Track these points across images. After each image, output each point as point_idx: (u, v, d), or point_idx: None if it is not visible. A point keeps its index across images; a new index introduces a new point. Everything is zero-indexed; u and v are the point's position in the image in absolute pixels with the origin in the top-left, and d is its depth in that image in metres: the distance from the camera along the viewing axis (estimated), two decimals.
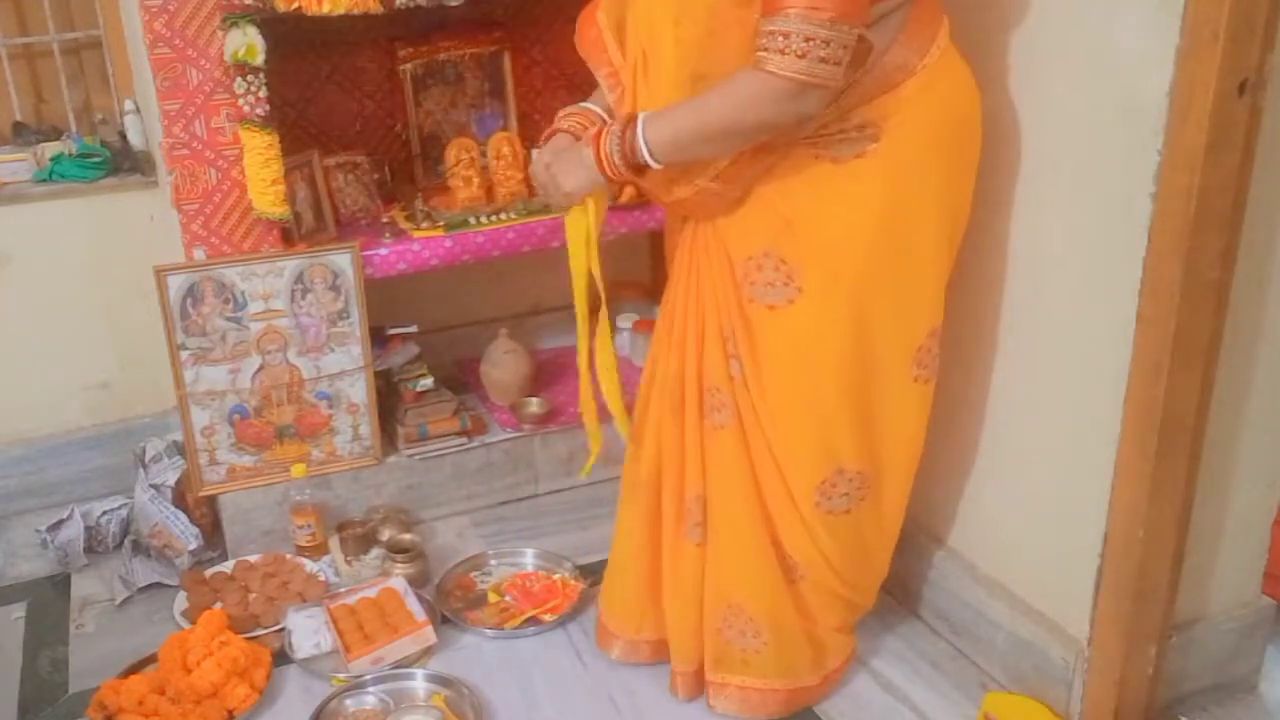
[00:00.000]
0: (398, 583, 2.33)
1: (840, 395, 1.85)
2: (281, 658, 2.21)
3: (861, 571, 2.04)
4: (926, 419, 1.97)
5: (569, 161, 1.82)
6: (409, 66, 2.82)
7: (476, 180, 2.70)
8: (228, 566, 2.49)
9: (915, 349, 1.87)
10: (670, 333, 1.96)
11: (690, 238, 1.92)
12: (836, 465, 1.90)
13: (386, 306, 2.64)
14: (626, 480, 2.11)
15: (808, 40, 1.54)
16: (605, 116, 1.88)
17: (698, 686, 2.07)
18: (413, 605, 2.26)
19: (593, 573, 2.44)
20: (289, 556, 2.51)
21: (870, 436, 1.91)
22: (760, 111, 1.62)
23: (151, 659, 2.17)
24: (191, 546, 2.49)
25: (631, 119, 1.72)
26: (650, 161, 1.71)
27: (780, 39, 1.55)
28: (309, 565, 2.47)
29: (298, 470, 2.55)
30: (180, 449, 2.63)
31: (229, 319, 2.43)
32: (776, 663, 2.00)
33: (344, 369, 2.55)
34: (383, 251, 2.52)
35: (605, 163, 1.75)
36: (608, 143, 1.74)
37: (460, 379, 2.96)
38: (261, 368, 2.49)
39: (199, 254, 2.40)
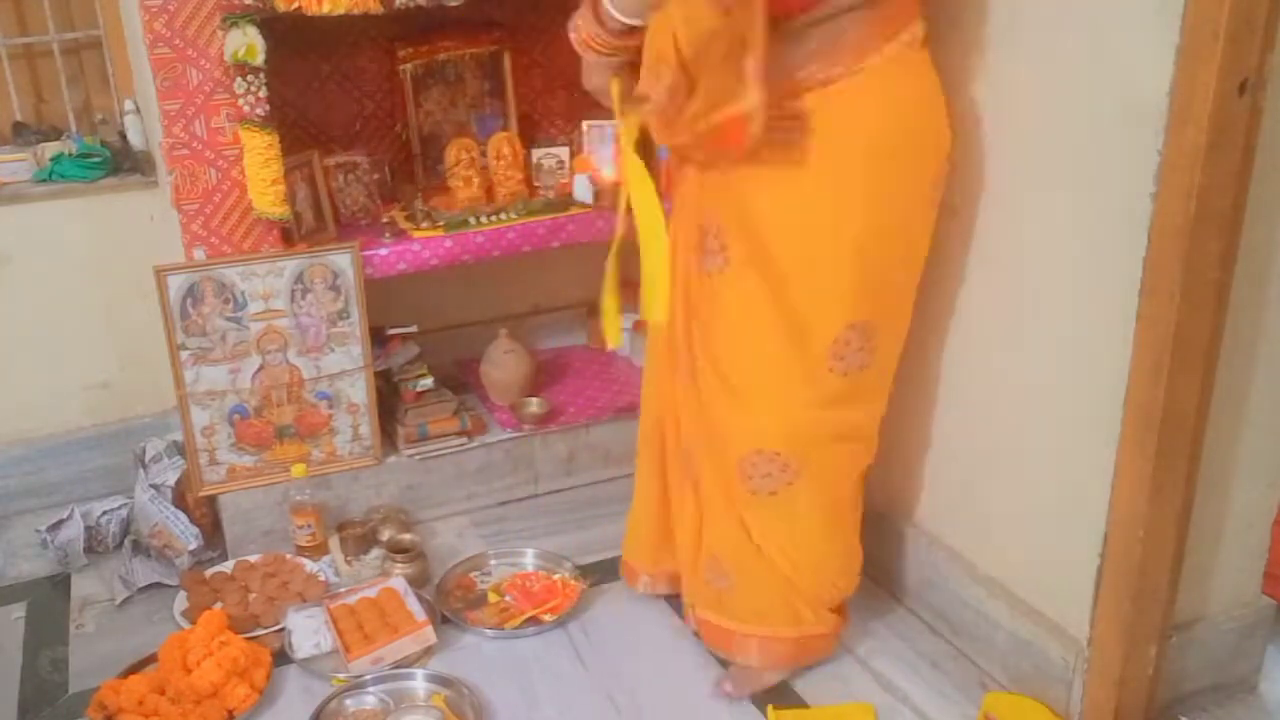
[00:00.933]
0: (398, 583, 2.33)
1: (758, 370, 1.92)
2: (281, 658, 2.21)
3: (803, 555, 2.05)
4: (849, 413, 1.97)
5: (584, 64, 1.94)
6: (409, 66, 2.82)
7: (476, 180, 2.70)
8: (228, 566, 2.49)
9: (831, 340, 1.88)
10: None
11: (677, 207, 2.00)
12: (755, 445, 1.95)
13: (386, 306, 2.64)
14: (639, 434, 2.26)
15: None
16: None
17: None
18: (413, 605, 2.26)
19: (593, 572, 2.45)
20: (289, 556, 2.51)
21: (790, 420, 1.94)
22: None
23: (151, 659, 2.17)
24: (191, 546, 2.49)
25: None
26: (614, 14, 1.79)
27: None
28: (309, 565, 2.47)
29: (298, 470, 2.55)
30: (180, 449, 2.63)
31: (229, 319, 2.43)
32: (746, 607, 2.08)
33: (344, 369, 2.55)
34: (383, 251, 2.53)
35: (584, 33, 1.86)
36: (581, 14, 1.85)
37: (460, 379, 2.96)
38: (261, 368, 2.49)
39: (199, 254, 2.40)
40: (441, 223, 2.61)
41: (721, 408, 1.97)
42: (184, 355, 2.42)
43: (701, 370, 1.98)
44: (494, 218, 2.64)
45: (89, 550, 2.60)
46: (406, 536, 2.48)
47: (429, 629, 2.21)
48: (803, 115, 1.74)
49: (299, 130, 2.80)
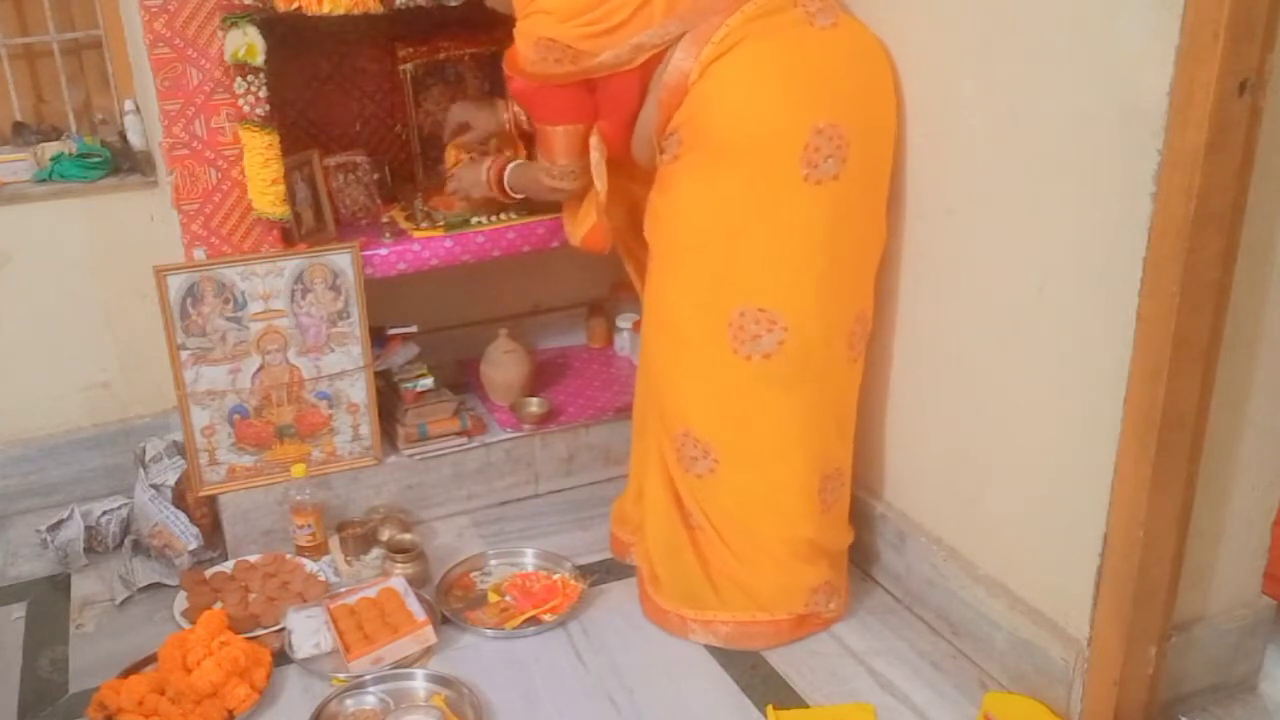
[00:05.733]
0: (398, 583, 2.33)
1: (672, 358, 2.16)
2: (281, 658, 2.21)
3: (745, 542, 2.19)
4: (756, 401, 2.10)
5: None
6: (409, 66, 2.82)
7: None
8: (228, 566, 2.49)
9: (728, 324, 2.06)
10: None
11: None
12: (684, 427, 2.16)
13: (386, 306, 2.64)
14: (634, 411, 2.46)
15: None
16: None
17: None
18: (413, 605, 2.26)
19: (593, 572, 2.45)
20: (289, 556, 2.51)
21: (707, 407, 2.14)
22: None
23: (151, 659, 2.17)
24: (191, 546, 2.48)
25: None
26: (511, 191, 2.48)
27: None
28: (309, 565, 2.47)
29: (298, 470, 2.55)
30: (180, 449, 2.63)
31: (229, 319, 2.43)
32: (670, 587, 2.25)
33: (344, 369, 2.55)
34: (383, 251, 2.53)
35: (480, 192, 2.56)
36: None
37: (460, 379, 2.95)
38: (261, 368, 2.49)
39: (199, 254, 2.40)
40: (441, 223, 2.61)
41: (661, 388, 2.23)
42: (184, 355, 2.42)
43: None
44: (494, 218, 2.64)
45: (89, 550, 2.60)
46: (406, 536, 2.48)
47: (429, 629, 2.22)
48: (676, 129, 2.05)
49: (299, 130, 2.80)
